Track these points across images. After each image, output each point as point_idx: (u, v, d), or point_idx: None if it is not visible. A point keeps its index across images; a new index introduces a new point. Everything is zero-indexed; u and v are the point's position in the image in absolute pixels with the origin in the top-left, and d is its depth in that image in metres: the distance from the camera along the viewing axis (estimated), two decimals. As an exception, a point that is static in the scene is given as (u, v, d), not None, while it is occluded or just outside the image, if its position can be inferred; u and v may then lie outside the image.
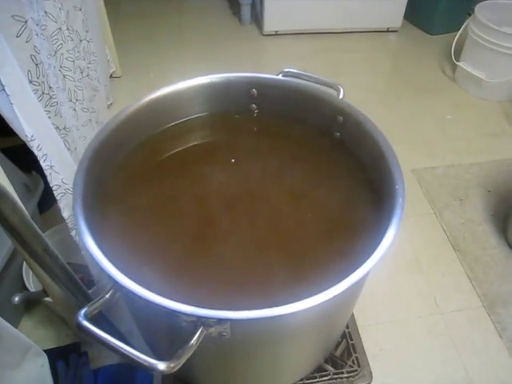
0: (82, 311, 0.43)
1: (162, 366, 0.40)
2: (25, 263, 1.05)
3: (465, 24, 1.86)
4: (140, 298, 0.42)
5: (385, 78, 2.02)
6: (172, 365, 0.41)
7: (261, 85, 0.70)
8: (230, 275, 0.55)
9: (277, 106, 0.71)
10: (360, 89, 1.90)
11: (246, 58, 2.08)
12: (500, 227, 1.35)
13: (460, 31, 1.88)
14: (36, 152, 0.74)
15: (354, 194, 0.63)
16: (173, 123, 0.70)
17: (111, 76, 1.90)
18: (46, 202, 1.20)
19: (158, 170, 0.67)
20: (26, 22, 0.82)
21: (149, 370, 0.42)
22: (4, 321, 0.78)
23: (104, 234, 0.53)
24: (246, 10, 2.25)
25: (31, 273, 1.04)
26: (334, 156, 0.68)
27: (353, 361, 0.73)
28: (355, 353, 0.74)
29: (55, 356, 0.98)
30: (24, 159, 0.85)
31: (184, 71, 1.97)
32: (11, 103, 0.68)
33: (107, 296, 0.46)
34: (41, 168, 0.80)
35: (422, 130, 1.71)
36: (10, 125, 0.72)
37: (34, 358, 0.89)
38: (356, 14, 2.19)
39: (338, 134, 0.68)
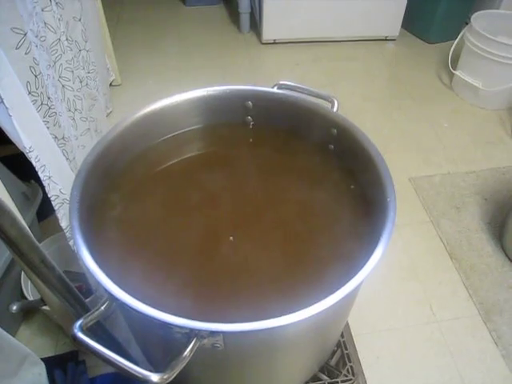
0: (78, 323, 0.44)
1: (155, 377, 0.41)
2: (23, 272, 1.05)
3: (461, 33, 1.87)
4: (134, 310, 0.42)
5: (382, 87, 2.04)
6: (165, 376, 0.42)
7: (256, 97, 0.71)
8: (224, 286, 0.55)
9: (272, 118, 0.72)
10: (357, 97, 1.92)
11: (244, 66, 2.10)
12: (496, 235, 1.36)
13: (457, 40, 1.89)
14: (34, 163, 0.76)
15: (348, 205, 0.64)
16: (170, 135, 0.71)
17: (111, 84, 1.91)
18: (45, 210, 1.21)
19: (154, 181, 0.68)
20: (25, 34, 0.84)
21: (142, 382, 0.42)
22: (1, 329, 0.78)
23: (100, 245, 0.54)
24: (245, 19, 2.27)
25: (30, 282, 1.04)
26: (328, 168, 0.69)
27: (347, 370, 0.74)
28: (350, 362, 0.75)
29: (53, 364, 0.98)
30: (23, 168, 0.86)
31: (183, 79, 1.99)
32: (10, 115, 0.69)
33: (102, 308, 0.47)
34: (39, 177, 0.81)
35: (419, 139, 1.72)
36: (9, 136, 0.74)
37: (30, 366, 0.90)
38: (354, 22, 2.21)
39: (332, 146, 0.69)
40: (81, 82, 1.27)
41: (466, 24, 1.86)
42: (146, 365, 0.72)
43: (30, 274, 0.67)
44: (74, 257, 1.00)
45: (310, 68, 2.10)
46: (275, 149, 0.74)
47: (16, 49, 0.82)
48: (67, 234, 0.88)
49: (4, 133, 0.75)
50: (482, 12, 1.87)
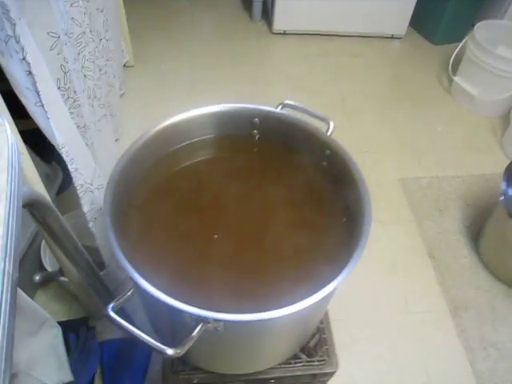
0: (110, 306, 0.56)
1: (170, 351, 0.54)
2: (43, 244, 1.17)
3: (464, 40, 1.95)
4: (157, 299, 0.54)
5: (383, 86, 2.12)
6: (178, 351, 0.54)
7: (262, 116, 0.81)
8: (228, 280, 0.68)
9: (275, 134, 0.83)
10: (359, 95, 2.01)
11: (254, 55, 2.17)
12: (473, 239, 1.48)
13: (459, 46, 1.97)
14: (65, 157, 0.86)
15: (333, 216, 0.75)
16: (186, 142, 0.82)
17: (124, 65, 1.99)
18: (61, 186, 1.33)
19: (171, 183, 0.79)
20: (58, 37, 0.93)
21: (159, 353, 0.55)
22: (25, 295, 0.90)
23: (126, 240, 0.65)
24: (257, 7, 2.33)
25: (48, 254, 1.17)
26: (319, 181, 0.80)
27: (323, 352, 0.87)
28: (326, 345, 0.88)
29: (66, 328, 1.10)
30: (41, 143, 0.93)
31: (194, 63, 2.07)
32: (48, 118, 0.79)
33: (129, 293, 0.59)
34: (57, 155, 0.90)
35: (413, 140, 1.82)
36: (45, 133, 0.84)
37: (49, 328, 1.02)
38: (363, 18, 2.27)
39: (325, 163, 0.80)
40: (100, 70, 1.35)
41: (473, 26, 1.92)
42: (150, 333, 0.86)
43: (59, 256, 0.79)
44: (87, 233, 1.11)
45: (316, 62, 2.17)
46: (276, 159, 0.85)
47: (50, 50, 0.91)
48: (88, 217, 0.99)
49: (21, 106, 0.82)
50: (485, 22, 1.94)
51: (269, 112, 0.81)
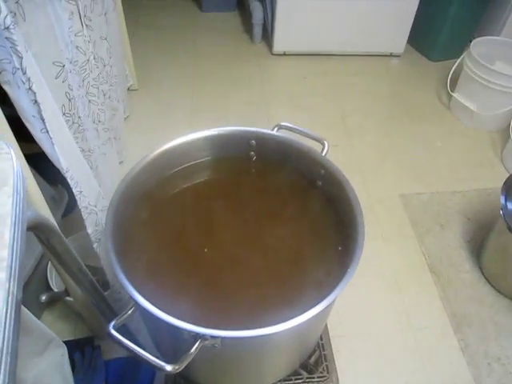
0: (112, 324, 0.58)
1: (169, 367, 0.56)
2: (49, 265, 1.20)
3: (461, 57, 1.98)
4: (155, 317, 0.56)
5: (383, 103, 2.16)
6: (177, 367, 0.56)
7: (259, 138, 0.84)
8: (226, 297, 0.70)
9: (271, 155, 0.86)
10: (358, 113, 2.04)
11: (255, 76, 2.22)
12: (474, 253, 1.49)
13: (457, 63, 2.00)
14: (69, 181, 0.89)
15: (328, 234, 0.78)
16: (184, 165, 0.85)
17: (128, 89, 2.04)
18: (67, 208, 1.36)
19: (172, 204, 0.82)
20: (63, 66, 0.97)
21: (158, 370, 0.57)
22: (32, 315, 0.92)
23: (127, 259, 0.68)
24: (257, 30, 2.39)
25: (54, 274, 1.19)
26: (315, 200, 0.83)
27: (323, 368, 0.88)
28: (326, 361, 0.89)
29: (72, 347, 1.12)
30: (46, 167, 0.96)
31: (196, 87, 2.12)
32: (53, 144, 0.82)
33: (129, 312, 0.61)
34: (63, 178, 0.93)
35: (413, 156, 1.84)
36: (50, 158, 0.87)
37: (55, 348, 1.04)
38: (361, 38, 2.32)
39: (320, 182, 0.82)
40: (104, 95, 1.40)
41: (470, 43, 1.95)
42: (152, 350, 0.87)
43: (65, 276, 0.81)
44: (92, 253, 1.13)
45: (316, 81, 2.22)
46: (273, 180, 0.88)
47: (55, 79, 0.95)
48: (92, 239, 1.02)
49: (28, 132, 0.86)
50: (481, 38, 1.98)
51: (265, 134, 0.84)
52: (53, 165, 0.91)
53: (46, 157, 0.89)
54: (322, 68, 2.30)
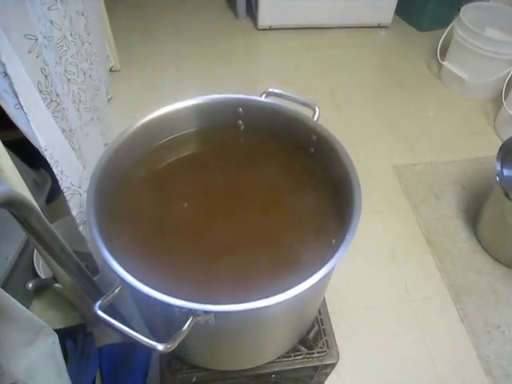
0: (97, 304, 0.54)
1: (160, 346, 0.52)
2: (35, 252, 1.16)
3: (451, 25, 1.94)
4: (144, 294, 0.53)
5: (373, 75, 2.11)
6: (168, 346, 0.52)
7: (246, 105, 0.80)
8: (218, 269, 0.66)
9: (260, 123, 0.81)
10: (347, 86, 2.00)
11: (240, 52, 2.16)
12: (471, 223, 1.47)
13: (446, 31, 1.96)
14: (49, 160, 0.84)
15: (322, 201, 0.74)
16: (169, 137, 0.80)
17: (110, 70, 1.97)
18: (51, 194, 1.31)
19: (155, 179, 0.77)
20: (36, 39, 0.91)
21: (150, 350, 0.53)
22: (20, 304, 0.88)
23: (112, 237, 0.63)
24: (241, 5, 2.32)
25: (41, 261, 1.15)
26: (308, 168, 0.79)
27: (323, 343, 0.85)
28: (325, 336, 0.86)
29: (64, 335, 1.09)
30: (29, 152, 0.92)
31: (180, 65, 2.05)
32: (28, 120, 0.78)
33: (116, 291, 0.57)
34: (47, 163, 0.89)
35: (405, 127, 1.81)
36: (27, 137, 0.82)
37: (45, 336, 1.00)
38: (348, 9, 2.26)
39: (312, 149, 0.78)
40: (84, 74, 1.34)
41: (459, 11, 1.91)
42: (146, 333, 0.84)
43: (48, 260, 0.77)
44: (80, 238, 1.09)
45: (303, 56, 2.16)
46: (263, 149, 0.84)
47: (28, 53, 0.89)
48: (77, 221, 0.98)
49: (8, 117, 0.82)
50: (471, 4, 1.93)
51: (253, 101, 0.79)
52: (35, 149, 0.86)
53: (29, 142, 0.85)
54: (308, 42, 2.24)
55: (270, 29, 2.29)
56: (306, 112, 0.79)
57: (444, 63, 1.97)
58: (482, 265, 1.36)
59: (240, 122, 0.83)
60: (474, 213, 1.48)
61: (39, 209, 0.60)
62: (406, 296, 1.28)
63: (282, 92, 0.81)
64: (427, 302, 1.27)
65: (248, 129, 0.83)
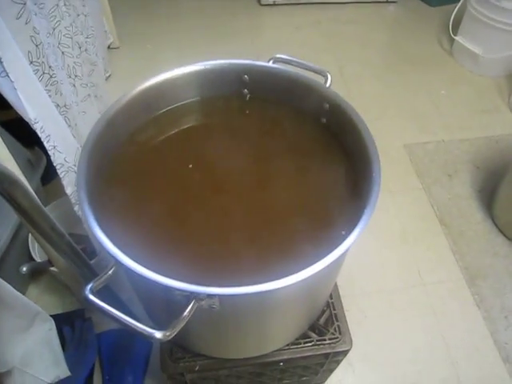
0: (88, 286, 0.48)
1: (158, 334, 0.46)
2: (30, 234, 1.10)
3: (464, -3, 1.85)
4: (139, 275, 0.47)
5: (381, 51, 2.03)
6: (168, 333, 0.47)
7: (252, 71, 0.73)
8: (222, 249, 0.60)
9: (267, 91, 0.74)
10: (356, 62, 1.91)
11: (243, 29, 2.08)
12: (486, 203, 1.40)
13: (459, 4, 1.87)
14: (40, 134, 0.78)
15: (336, 175, 0.67)
16: (169, 107, 0.74)
17: (109, 47, 1.90)
18: (48, 174, 1.25)
19: (155, 151, 0.71)
20: (24, 3, 0.84)
21: (147, 338, 0.48)
22: (14, 289, 0.84)
23: (105, 212, 0.57)
24: (244, -21, 2.23)
25: (37, 244, 1.10)
26: (319, 139, 0.72)
27: (335, 329, 0.80)
28: (337, 321, 0.81)
29: (61, 321, 1.04)
30: (25, 133, 0.88)
31: (181, 42, 1.97)
32: (15, 88, 0.71)
33: (110, 272, 0.51)
34: (42, 143, 0.84)
35: (416, 105, 1.74)
36: (14, 108, 0.76)
37: (41, 322, 0.96)
38: (355, -16, 2.17)
39: (324, 119, 0.72)
40: (80, 47, 1.27)
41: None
42: (147, 322, 0.78)
43: (40, 240, 0.72)
44: (77, 220, 1.04)
45: (309, 31, 2.08)
46: (270, 120, 0.77)
47: (16, 19, 0.83)
48: (72, 200, 0.92)
49: (4, 98, 0.77)
50: (485, -25, 1.83)
51: (259, 66, 0.72)
52: (29, 128, 0.80)
53: (23, 120, 0.79)
54: (314, 17, 2.15)
55: (274, 4, 2.20)
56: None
57: (456, 38, 1.88)
58: (497, 247, 1.30)
59: (246, 90, 0.76)
60: (489, 193, 1.42)
61: (25, 183, 0.54)
62: (419, 279, 1.22)
63: (291, 57, 0.74)
64: (441, 286, 1.21)
65: (254, 98, 0.76)
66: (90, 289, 0.49)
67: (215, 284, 0.48)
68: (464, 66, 1.92)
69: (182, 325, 0.47)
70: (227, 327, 0.62)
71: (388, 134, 1.59)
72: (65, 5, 1.16)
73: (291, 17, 2.15)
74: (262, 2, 2.19)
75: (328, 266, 0.50)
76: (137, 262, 0.49)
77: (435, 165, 1.50)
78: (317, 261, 0.50)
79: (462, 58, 1.92)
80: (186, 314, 0.48)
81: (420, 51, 2.00)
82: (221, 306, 0.51)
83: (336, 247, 0.52)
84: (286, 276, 0.48)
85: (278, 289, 0.48)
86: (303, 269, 0.50)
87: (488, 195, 1.41)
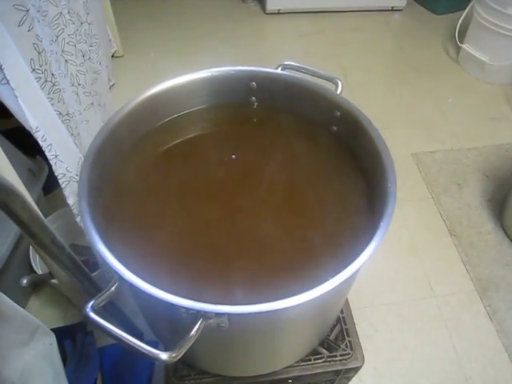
0: (90, 304, 0.46)
1: (164, 356, 0.43)
2: (31, 247, 1.08)
3: (470, 4, 1.83)
4: (143, 292, 0.44)
5: (387, 59, 2.01)
6: (174, 354, 0.44)
7: (260, 78, 0.71)
8: (230, 266, 0.57)
9: (276, 99, 0.72)
10: (362, 70, 1.90)
11: (248, 37, 2.07)
12: (496, 213, 1.37)
13: (465, 12, 1.85)
14: (41, 142, 0.76)
15: (348, 187, 0.65)
16: (174, 116, 0.72)
17: (113, 56, 1.89)
18: (50, 184, 1.23)
19: (159, 161, 0.69)
20: (27, 10, 0.83)
21: (152, 360, 0.45)
22: (13, 302, 0.81)
23: (108, 226, 0.55)
24: (248, -12, 2.22)
25: (38, 256, 1.07)
26: (330, 149, 0.70)
27: (346, 344, 0.77)
28: (348, 337, 0.78)
29: (62, 335, 1.01)
30: (27, 142, 0.86)
31: (185, 50, 1.96)
32: (16, 96, 0.69)
33: (113, 289, 0.48)
34: (46, 155, 0.82)
35: (423, 114, 1.71)
36: (15, 116, 0.74)
37: (42, 337, 0.93)
38: (360, -8, 2.16)
39: (335, 128, 0.69)
40: (83, 55, 1.26)
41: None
42: (151, 335, 0.75)
43: (40, 253, 0.69)
44: (80, 231, 1.01)
45: (314, 40, 2.06)
46: (279, 129, 0.75)
47: (19, 26, 0.81)
48: (74, 211, 0.90)
49: (5, 106, 0.75)
50: (492, -17, 1.82)
51: (268, 73, 0.70)
52: (31, 138, 0.78)
53: (25, 129, 0.77)
54: (319, 26, 2.14)
55: (279, 13, 2.19)
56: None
57: (463, 46, 1.87)
58: (509, 258, 1.26)
59: (253, 98, 0.74)
60: (499, 202, 1.39)
61: (24, 193, 0.52)
62: (429, 291, 1.19)
63: (300, 64, 0.72)
64: (452, 298, 1.18)
65: (262, 106, 0.74)
66: (91, 306, 0.46)
67: (223, 301, 0.45)
68: (471, 73, 1.90)
69: (189, 345, 0.45)
70: (235, 345, 0.59)
71: (395, 143, 1.56)
72: (68, 12, 1.14)
73: (296, 25, 2.14)
74: (267, 11, 2.18)
75: (344, 281, 0.47)
76: (140, 277, 0.47)
77: (444, 174, 1.48)
78: (331, 277, 0.48)
79: (469, 66, 1.90)
80: (193, 333, 0.45)
81: (426, 59, 1.98)
82: (230, 325, 0.48)
83: (353, 261, 0.49)
84: (298, 294, 0.46)
85: (291, 307, 0.45)
86: (316, 286, 0.47)
87: (498, 205, 1.38)
